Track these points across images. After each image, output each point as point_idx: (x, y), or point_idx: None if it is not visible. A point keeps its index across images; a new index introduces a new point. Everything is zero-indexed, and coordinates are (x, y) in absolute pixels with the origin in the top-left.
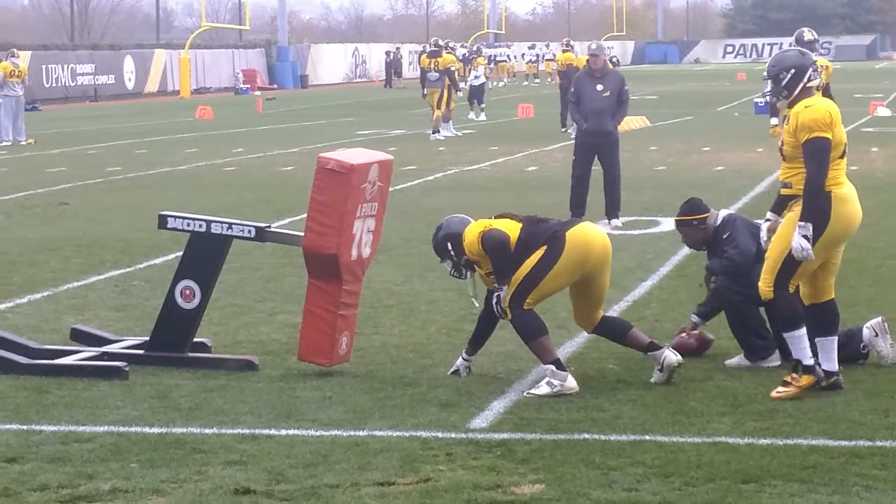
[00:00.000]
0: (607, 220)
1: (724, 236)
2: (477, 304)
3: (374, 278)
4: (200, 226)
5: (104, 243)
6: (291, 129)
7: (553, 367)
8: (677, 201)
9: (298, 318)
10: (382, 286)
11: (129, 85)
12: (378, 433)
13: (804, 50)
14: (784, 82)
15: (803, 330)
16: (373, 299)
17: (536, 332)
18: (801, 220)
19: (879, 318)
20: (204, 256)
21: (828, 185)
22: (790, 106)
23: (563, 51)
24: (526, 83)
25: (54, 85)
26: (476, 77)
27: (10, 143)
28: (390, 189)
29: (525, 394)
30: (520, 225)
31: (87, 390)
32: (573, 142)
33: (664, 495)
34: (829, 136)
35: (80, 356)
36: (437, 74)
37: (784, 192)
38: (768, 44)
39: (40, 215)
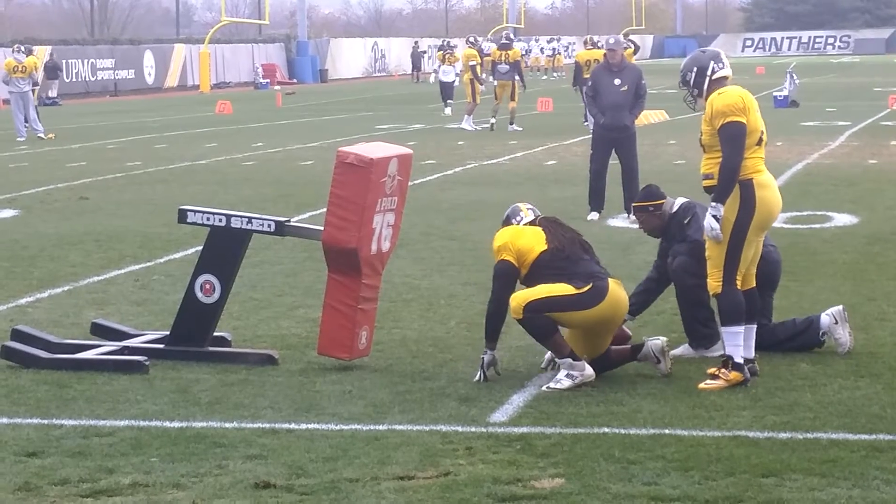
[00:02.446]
0: (627, 214)
1: (685, 221)
2: None
3: (393, 272)
4: (220, 220)
5: (124, 238)
6: (311, 124)
7: (570, 360)
8: (696, 195)
9: (318, 313)
10: (402, 280)
11: (149, 80)
12: (398, 427)
13: (706, 48)
14: (692, 81)
15: (742, 327)
16: (392, 293)
17: (550, 332)
18: (713, 202)
19: (840, 307)
20: (224, 251)
21: (748, 173)
22: (705, 100)
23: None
24: (545, 77)
25: (74, 80)
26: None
27: (23, 139)
28: (409, 183)
29: (546, 388)
30: (543, 248)
31: (107, 385)
32: (591, 136)
33: (684, 489)
34: (744, 120)
35: (100, 350)
36: (508, 67)
37: (706, 183)
38: (787, 37)
39: (60, 210)
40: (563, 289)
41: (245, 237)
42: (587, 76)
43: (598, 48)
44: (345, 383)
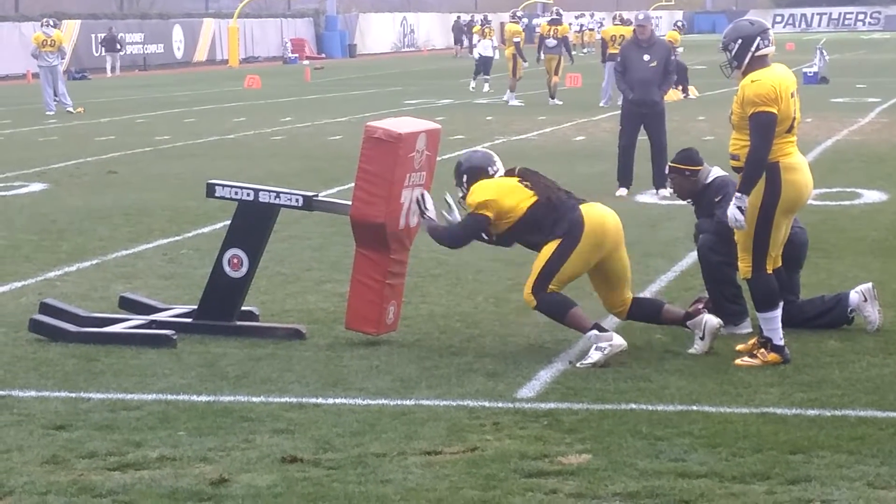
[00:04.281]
0: (655, 190)
1: (717, 199)
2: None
3: (421, 248)
4: (248, 194)
5: (153, 212)
6: (339, 99)
7: (596, 332)
8: (725, 171)
9: (345, 288)
10: (430, 255)
11: (178, 54)
12: (425, 402)
13: (755, 20)
14: (734, 52)
15: (778, 311)
16: (420, 269)
17: (566, 308)
18: (737, 192)
19: (869, 284)
20: (252, 225)
21: (775, 156)
22: (743, 76)
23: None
24: (573, 52)
25: (103, 54)
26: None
27: (52, 113)
28: (438, 158)
29: (578, 365)
30: (533, 199)
31: (135, 358)
32: (619, 112)
33: (711, 465)
34: (775, 110)
35: (128, 324)
36: (556, 41)
37: (733, 163)
38: (817, 13)
39: (89, 184)
40: (548, 250)
41: (273, 212)
42: (613, 51)
43: (626, 24)
44: (372, 358)
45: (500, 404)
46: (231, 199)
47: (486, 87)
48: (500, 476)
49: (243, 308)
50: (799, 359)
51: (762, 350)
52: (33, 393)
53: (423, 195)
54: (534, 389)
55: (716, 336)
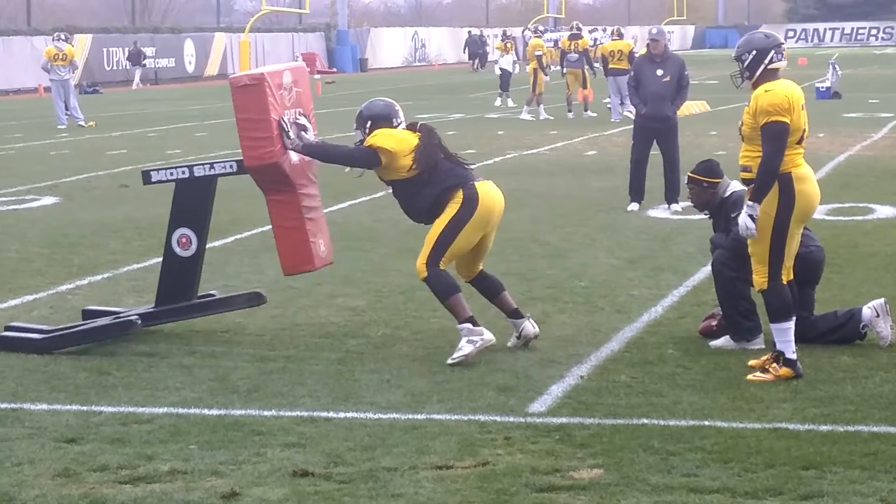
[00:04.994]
0: (667, 205)
1: (733, 215)
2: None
3: None
4: (183, 172)
5: (164, 225)
6: (351, 113)
7: (469, 325)
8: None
9: (357, 301)
10: None
11: (190, 68)
12: (436, 416)
13: (770, 33)
14: (746, 63)
15: (792, 323)
16: None
17: (452, 290)
18: (749, 200)
19: (882, 300)
20: (193, 202)
21: (787, 167)
22: (753, 87)
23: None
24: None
25: (115, 68)
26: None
27: (64, 127)
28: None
29: (448, 361)
30: (416, 142)
31: (146, 372)
32: (632, 126)
33: (723, 481)
34: (787, 120)
35: (93, 322)
36: (577, 55)
37: (743, 175)
38: (830, 28)
39: (101, 198)
40: (441, 222)
41: (210, 183)
42: (615, 66)
43: (621, 38)
44: (383, 372)
45: (511, 419)
46: (168, 180)
47: (510, 103)
48: (511, 491)
49: (207, 292)
50: (812, 374)
51: (774, 364)
52: (45, 406)
53: (280, 120)
54: (545, 404)
55: (529, 342)
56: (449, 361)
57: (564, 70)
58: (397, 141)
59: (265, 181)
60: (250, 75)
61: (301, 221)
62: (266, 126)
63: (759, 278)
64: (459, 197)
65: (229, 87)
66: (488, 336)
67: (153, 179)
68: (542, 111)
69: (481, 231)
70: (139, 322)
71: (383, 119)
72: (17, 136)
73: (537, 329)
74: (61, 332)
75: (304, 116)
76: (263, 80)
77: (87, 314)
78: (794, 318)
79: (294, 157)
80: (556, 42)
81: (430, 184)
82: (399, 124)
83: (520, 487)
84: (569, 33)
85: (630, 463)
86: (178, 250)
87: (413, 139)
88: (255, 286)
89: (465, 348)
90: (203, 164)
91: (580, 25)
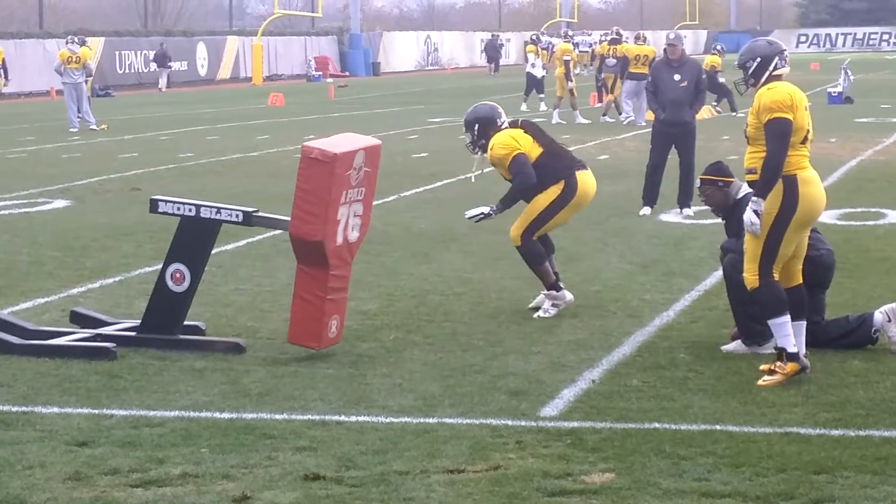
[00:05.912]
0: (679, 209)
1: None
2: (474, 180)
3: (444, 266)
4: (190, 210)
5: (175, 229)
6: (363, 117)
7: (554, 291)
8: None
9: (369, 305)
10: (453, 274)
11: (202, 72)
12: (448, 420)
13: (773, 40)
14: (751, 70)
15: (787, 317)
16: (443, 287)
17: (541, 259)
18: (754, 196)
19: (893, 304)
20: (194, 240)
21: (792, 168)
22: (756, 91)
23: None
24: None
25: (127, 71)
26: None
27: (76, 130)
28: (468, 175)
29: (536, 316)
30: (540, 150)
31: (157, 375)
32: (646, 131)
33: (735, 485)
34: (791, 117)
35: (72, 337)
36: (615, 60)
37: (749, 178)
38: (842, 34)
39: (113, 201)
40: (545, 199)
41: (214, 227)
42: (635, 70)
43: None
44: (395, 376)
45: (523, 423)
46: (174, 214)
47: (542, 106)
48: (522, 495)
49: (189, 323)
50: (823, 379)
51: (779, 363)
52: (56, 409)
53: (471, 218)
54: (557, 408)
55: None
56: (536, 315)
57: (602, 74)
58: (512, 139)
59: (302, 252)
60: (323, 151)
61: (322, 301)
62: (321, 204)
63: (750, 276)
64: (562, 183)
65: (301, 152)
66: (569, 297)
67: (160, 210)
68: (555, 115)
69: (574, 213)
70: (115, 352)
71: (487, 121)
72: (30, 138)
73: (571, 296)
74: (36, 344)
75: (359, 202)
76: (335, 161)
77: (75, 316)
78: (796, 320)
79: (339, 238)
80: (591, 46)
81: (540, 167)
82: (503, 124)
83: (531, 491)
84: (609, 38)
85: (641, 467)
86: (170, 284)
87: (519, 132)
88: (267, 289)
89: (551, 311)
90: (210, 207)
91: (620, 31)
